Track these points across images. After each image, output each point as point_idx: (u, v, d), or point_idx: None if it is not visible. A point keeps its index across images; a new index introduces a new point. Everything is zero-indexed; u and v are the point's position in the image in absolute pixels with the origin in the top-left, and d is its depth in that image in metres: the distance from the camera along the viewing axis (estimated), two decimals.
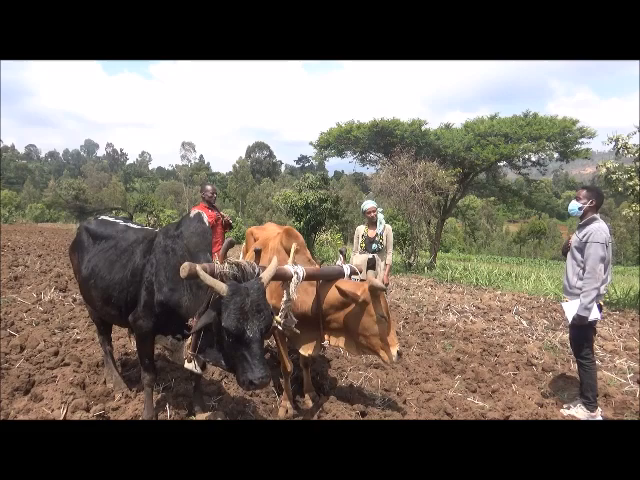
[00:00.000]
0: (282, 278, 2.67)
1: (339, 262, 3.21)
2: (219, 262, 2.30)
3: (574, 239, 3.40)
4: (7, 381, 3.23)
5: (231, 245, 2.45)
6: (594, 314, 3.21)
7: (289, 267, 2.72)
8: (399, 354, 2.77)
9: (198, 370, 2.56)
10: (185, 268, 2.17)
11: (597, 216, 3.30)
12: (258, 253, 2.63)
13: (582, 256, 3.27)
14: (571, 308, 3.31)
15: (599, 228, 3.20)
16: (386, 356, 2.77)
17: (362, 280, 3.34)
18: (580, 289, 3.26)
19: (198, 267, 2.15)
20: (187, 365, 2.54)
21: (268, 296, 2.37)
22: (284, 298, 2.73)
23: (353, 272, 3.13)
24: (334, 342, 3.00)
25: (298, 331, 2.78)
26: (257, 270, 2.32)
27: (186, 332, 2.55)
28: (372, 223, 5.04)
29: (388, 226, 5.10)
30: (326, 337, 2.98)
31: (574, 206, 3.38)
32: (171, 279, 2.51)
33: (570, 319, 3.32)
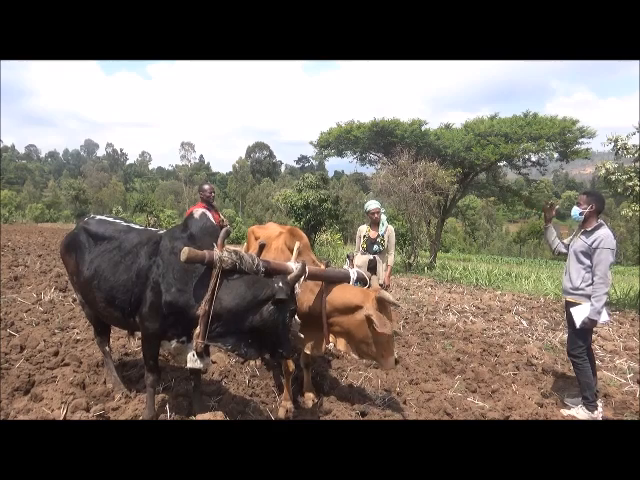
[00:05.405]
0: None
1: (346, 266, 3.22)
2: (218, 250, 2.40)
3: (579, 243, 3.45)
4: (7, 381, 3.22)
5: (228, 234, 2.54)
6: (604, 317, 3.34)
7: (291, 265, 2.72)
8: (396, 361, 2.89)
9: (199, 365, 2.58)
10: (185, 252, 2.28)
11: (602, 222, 3.41)
12: (262, 247, 2.68)
13: (590, 261, 3.36)
14: (581, 312, 3.38)
15: (609, 235, 3.31)
16: (385, 364, 2.86)
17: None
18: (584, 290, 3.39)
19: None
20: (190, 364, 2.58)
21: None
22: None
23: (360, 278, 3.09)
24: (336, 344, 2.99)
25: (302, 335, 2.76)
26: (257, 261, 2.42)
27: (192, 335, 2.56)
28: (375, 224, 5.01)
29: (390, 227, 5.07)
30: (331, 339, 2.98)
31: (575, 212, 3.50)
32: (180, 280, 2.52)
33: (579, 323, 3.38)
